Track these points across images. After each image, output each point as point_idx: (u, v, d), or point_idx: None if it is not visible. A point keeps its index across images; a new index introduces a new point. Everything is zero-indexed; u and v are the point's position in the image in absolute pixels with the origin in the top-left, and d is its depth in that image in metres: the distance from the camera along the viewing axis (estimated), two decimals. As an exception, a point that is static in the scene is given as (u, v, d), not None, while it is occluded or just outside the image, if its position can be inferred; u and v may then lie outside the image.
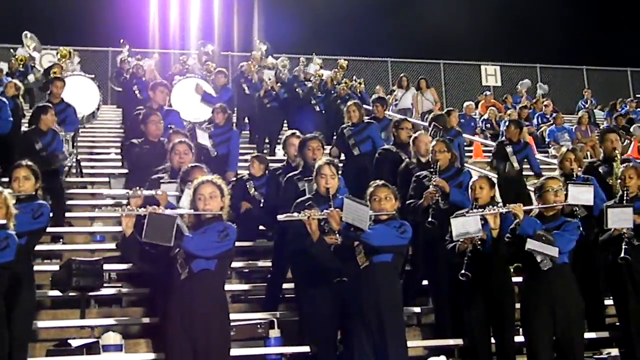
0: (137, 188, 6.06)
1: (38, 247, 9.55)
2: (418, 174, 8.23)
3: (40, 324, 7.77)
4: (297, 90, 16.14)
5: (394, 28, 26.81)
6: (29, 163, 6.76)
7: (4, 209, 5.79)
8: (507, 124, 12.57)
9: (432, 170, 8.04)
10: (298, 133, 8.74)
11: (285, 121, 15.98)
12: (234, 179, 10.41)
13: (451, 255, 6.92)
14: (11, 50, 17.42)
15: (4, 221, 5.76)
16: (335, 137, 11.42)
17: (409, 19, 26.99)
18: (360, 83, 17.86)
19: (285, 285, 8.65)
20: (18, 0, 23.85)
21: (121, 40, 18.82)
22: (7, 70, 15.80)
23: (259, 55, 17.54)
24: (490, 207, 6.69)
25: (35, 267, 8.99)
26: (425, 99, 17.65)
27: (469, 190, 7.27)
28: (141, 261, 5.62)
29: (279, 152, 14.93)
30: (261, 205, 9.74)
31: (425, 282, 8.52)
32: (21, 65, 16.09)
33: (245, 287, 8.95)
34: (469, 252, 6.71)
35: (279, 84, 16.03)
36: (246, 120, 16.09)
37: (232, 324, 5.94)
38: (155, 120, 8.87)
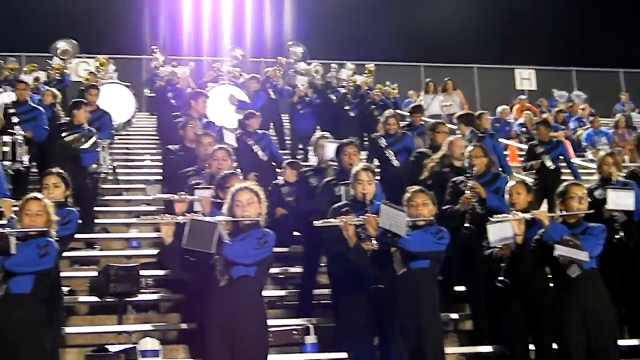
0: (183, 193, 6.14)
1: (75, 254, 9.79)
2: (454, 179, 8.20)
3: (78, 329, 7.88)
4: (330, 96, 16.17)
5: (426, 34, 26.71)
6: (59, 170, 6.89)
7: (44, 216, 5.88)
8: (536, 125, 12.50)
9: (468, 175, 8.02)
10: (327, 134, 8.82)
11: (318, 127, 16.04)
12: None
13: (488, 261, 6.88)
14: (48, 60, 17.62)
15: (44, 228, 5.85)
16: (369, 146, 11.38)
17: (441, 24, 26.89)
18: (393, 89, 17.84)
19: (320, 292, 8.70)
20: (54, 10, 24.13)
21: (155, 48, 19.00)
22: (45, 79, 15.98)
23: (284, 60, 17.58)
24: (514, 213, 6.66)
25: (73, 273, 9.26)
26: (453, 102, 17.58)
27: (506, 196, 7.23)
28: (181, 269, 5.65)
29: (313, 159, 14.98)
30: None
31: (458, 288, 8.49)
32: (58, 74, 16.27)
33: (281, 293, 8.97)
34: (507, 258, 6.67)
35: (311, 90, 16.05)
36: (271, 125, 16.06)
37: (268, 329, 5.95)
38: (194, 125, 8.96)
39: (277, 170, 11.29)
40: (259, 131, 11.51)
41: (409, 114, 12.57)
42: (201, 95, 10.55)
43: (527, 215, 6.57)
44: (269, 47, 25.38)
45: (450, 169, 8.65)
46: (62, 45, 16.96)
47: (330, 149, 8.23)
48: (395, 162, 10.40)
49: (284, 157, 13.99)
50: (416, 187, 6.60)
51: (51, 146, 10.86)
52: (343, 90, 16.14)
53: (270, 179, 10.44)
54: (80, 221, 10.04)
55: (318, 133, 9.18)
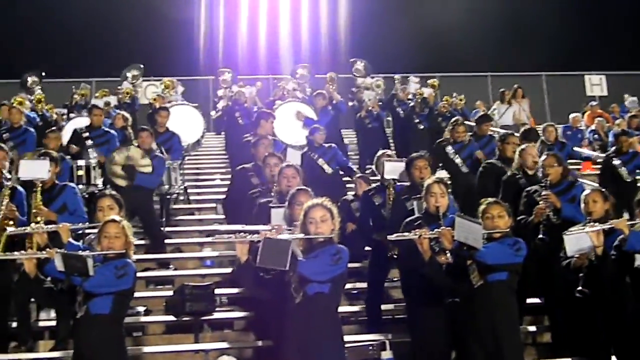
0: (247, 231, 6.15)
1: (150, 274, 9.95)
2: (528, 189, 8.07)
3: (156, 349, 7.99)
4: (397, 109, 16.13)
5: (494, 43, 26.50)
6: (113, 192, 7.08)
7: (122, 238, 5.99)
8: (615, 135, 12.25)
9: (543, 185, 7.89)
10: (390, 152, 8.84)
11: (389, 141, 16.02)
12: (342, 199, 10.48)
13: (566, 271, 6.75)
14: (118, 87, 18.04)
15: (122, 250, 5.95)
16: (434, 152, 11.30)
17: (507, 32, 26.65)
18: (461, 99, 17.71)
19: (394, 306, 8.65)
20: (123, 36, 24.72)
21: (223, 69, 19.27)
22: (116, 102, 16.34)
23: (334, 75, 17.54)
24: (592, 223, 6.51)
25: (149, 293, 9.38)
26: (522, 110, 17.32)
27: (582, 205, 7.09)
28: (256, 286, 5.67)
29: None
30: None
31: (532, 300, 8.34)
32: (128, 97, 16.62)
33: (355, 308, 8.94)
34: (585, 268, 6.53)
35: (378, 104, 16.03)
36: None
37: (344, 346, 5.92)
38: (265, 143, 9.04)
39: (348, 180, 11.42)
40: (325, 145, 11.59)
41: (475, 126, 12.41)
42: (269, 116, 10.66)
43: (605, 226, 6.42)
44: (326, 63, 25.49)
45: (522, 176, 8.54)
46: (131, 72, 17.34)
47: (388, 168, 8.20)
48: (464, 169, 10.37)
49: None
50: (491, 199, 6.51)
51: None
52: (411, 104, 16.08)
53: (338, 193, 10.44)
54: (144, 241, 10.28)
55: (380, 151, 9.14)
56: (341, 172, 11.68)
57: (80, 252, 5.91)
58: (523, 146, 8.89)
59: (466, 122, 12.30)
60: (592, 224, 6.51)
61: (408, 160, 7.88)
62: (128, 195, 10.01)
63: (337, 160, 11.47)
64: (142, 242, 10.30)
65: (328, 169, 11.29)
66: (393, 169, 8.14)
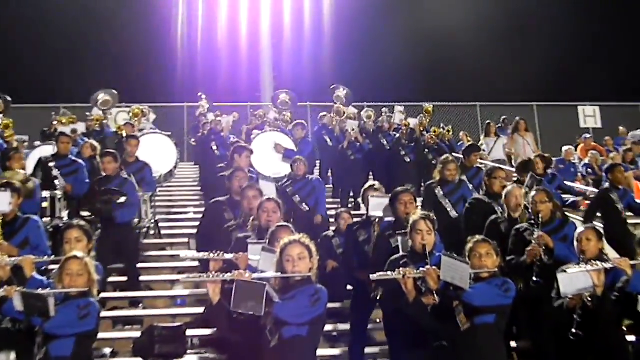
0: (218, 252, 6.11)
1: (118, 313, 9.83)
2: (518, 226, 8.08)
3: (122, 394, 7.87)
4: (382, 141, 16.16)
5: (483, 71, 26.74)
6: (81, 223, 6.93)
7: (85, 275, 5.92)
8: (610, 168, 12.26)
9: (533, 222, 7.90)
10: (377, 185, 8.77)
11: (371, 174, 16.02)
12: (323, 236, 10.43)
13: (559, 313, 6.73)
14: (87, 113, 17.96)
15: (85, 288, 5.87)
16: (423, 195, 11.26)
17: (497, 60, 26.91)
18: (448, 131, 17.75)
19: (377, 349, 8.59)
20: (92, 59, 24.73)
21: (200, 94, 19.33)
22: (84, 130, 16.26)
23: (343, 109, 17.62)
24: (593, 262, 6.51)
25: (116, 334, 9.26)
26: (527, 144, 17.35)
27: (575, 243, 7.10)
28: (230, 329, 5.61)
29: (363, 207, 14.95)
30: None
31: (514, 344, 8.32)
32: (97, 124, 16.56)
33: (336, 351, 8.87)
34: (579, 309, 6.51)
35: (363, 135, 16.05)
36: (329, 173, 16.19)
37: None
38: (240, 176, 9.00)
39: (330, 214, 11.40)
40: (310, 176, 11.60)
41: (463, 157, 12.43)
42: (245, 150, 10.68)
43: (608, 265, 6.42)
44: (310, 91, 25.64)
45: (505, 219, 8.53)
46: (102, 96, 17.26)
47: (373, 203, 8.17)
48: (453, 213, 10.30)
49: (336, 206, 14.08)
50: (479, 237, 6.51)
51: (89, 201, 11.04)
52: (397, 135, 16.10)
53: (313, 230, 10.43)
54: (125, 278, 10.21)
55: (368, 183, 9.11)
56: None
57: (41, 291, 5.82)
58: (509, 187, 8.92)
59: (454, 154, 12.33)
60: (592, 262, 6.49)
61: (393, 194, 7.87)
62: (113, 229, 10.06)
63: (317, 196, 11.43)
64: (111, 279, 10.22)
65: (304, 206, 11.29)
66: (378, 204, 8.10)
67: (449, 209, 10.31)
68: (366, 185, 8.92)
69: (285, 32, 29.43)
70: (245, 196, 7.98)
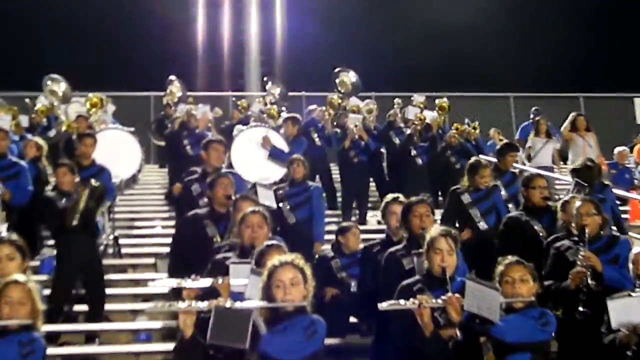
0: (193, 277, 6.12)
1: (71, 350, 9.83)
2: (557, 244, 8.09)
3: None
4: (394, 139, 16.17)
5: (517, 56, 26.86)
6: (13, 238, 6.89)
7: (28, 305, 5.87)
8: None
9: (577, 239, 7.91)
10: (402, 197, 8.66)
11: (376, 180, 16.07)
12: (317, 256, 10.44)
13: (610, 350, 6.75)
14: (26, 100, 17.92)
15: (28, 321, 5.84)
16: (447, 202, 11.24)
17: (533, 43, 27.01)
18: (474, 128, 17.69)
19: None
20: (41, 42, 24.74)
21: (170, 78, 19.30)
22: (28, 124, 16.22)
23: (336, 101, 17.61)
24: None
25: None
26: (587, 146, 16.77)
27: (631, 265, 7.13)
28: (205, 369, 5.62)
29: (372, 219, 14.94)
30: (352, 289, 9.80)
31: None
32: (44, 118, 16.55)
33: (335, 398, 8.90)
34: (635, 345, 6.53)
35: (367, 132, 16.03)
36: (317, 178, 16.05)
37: None
38: (225, 183, 9.01)
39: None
40: (311, 183, 11.67)
41: (497, 158, 12.37)
42: (213, 143, 10.72)
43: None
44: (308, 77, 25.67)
45: (566, 237, 8.47)
46: (51, 83, 17.23)
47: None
48: (482, 225, 10.31)
49: (335, 218, 14.09)
50: (512, 258, 6.52)
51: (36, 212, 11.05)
52: (408, 132, 16.08)
53: (304, 248, 10.47)
54: (86, 307, 10.22)
55: (390, 195, 9.00)
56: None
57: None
58: (566, 197, 8.89)
59: (486, 158, 12.30)
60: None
61: (405, 205, 7.88)
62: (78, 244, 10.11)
63: (311, 205, 11.43)
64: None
65: (290, 217, 11.29)
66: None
67: (477, 220, 10.33)
68: (389, 197, 8.79)
69: (277, 3, 29.37)
70: (238, 208, 7.94)
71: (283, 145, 14.09)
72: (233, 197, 8.72)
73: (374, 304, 7.02)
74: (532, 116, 19.85)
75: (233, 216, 8.00)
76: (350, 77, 18.56)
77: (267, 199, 10.36)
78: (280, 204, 11.26)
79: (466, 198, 10.53)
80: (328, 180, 16.25)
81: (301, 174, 11.60)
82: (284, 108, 18.35)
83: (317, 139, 16.09)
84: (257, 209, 7.48)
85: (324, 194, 15.23)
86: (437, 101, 18.22)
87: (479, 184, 10.55)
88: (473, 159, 11.22)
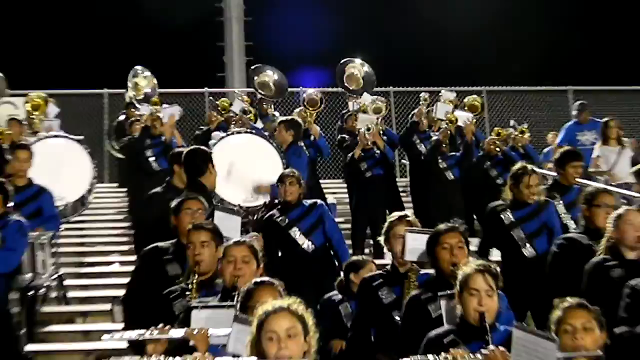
0: (161, 328, 6.13)
1: None
2: (633, 283, 8.08)
3: None
4: (418, 145, 16.16)
5: (575, 48, 27.11)
6: None
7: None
8: None
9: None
10: (410, 216, 8.65)
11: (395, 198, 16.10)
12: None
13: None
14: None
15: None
16: (484, 225, 11.22)
17: (596, 29, 27.28)
18: (522, 132, 17.62)
19: None
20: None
21: (136, 68, 19.26)
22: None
23: (317, 99, 17.44)
24: None
25: None
26: None
27: None
28: None
29: (387, 255, 14.98)
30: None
31: None
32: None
33: None
34: None
35: (384, 137, 16.03)
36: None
37: None
38: (194, 208, 8.98)
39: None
40: (308, 201, 11.69)
41: (556, 171, 12.27)
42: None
43: None
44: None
45: (617, 263, 8.50)
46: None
47: (410, 244, 8.15)
48: (528, 252, 10.30)
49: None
50: (572, 301, 6.52)
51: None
52: (434, 137, 16.06)
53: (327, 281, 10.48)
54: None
55: (396, 214, 8.99)
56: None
57: None
58: (621, 211, 8.88)
59: (538, 170, 12.21)
60: None
61: (432, 235, 7.86)
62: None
63: (327, 227, 11.48)
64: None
65: (307, 245, 11.30)
66: (416, 246, 8.10)
67: (520, 244, 10.31)
68: (393, 217, 8.79)
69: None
70: (189, 241, 7.94)
71: (275, 158, 14.06)
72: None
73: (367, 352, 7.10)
74: (575, 112, 19.61)
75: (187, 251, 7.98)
76: (360, 68, 18.55)
77: (229, 227, 10.16)
78: (290, 232, 11.33)
79: (507, 217, 10.51)
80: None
81: (295, 195, 11.58)
82: (273, 108, 18.41)
83: (304, 149, 15.88)
84: (242, 239, 7.50)
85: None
86: (467, 99, 18.14)
87: (526, 197, 10.52)
88: (518, 164, 11.14)
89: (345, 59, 18.42)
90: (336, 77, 18.55)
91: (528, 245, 10.29)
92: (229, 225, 9.44)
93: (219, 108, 19.53)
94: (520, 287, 9.62)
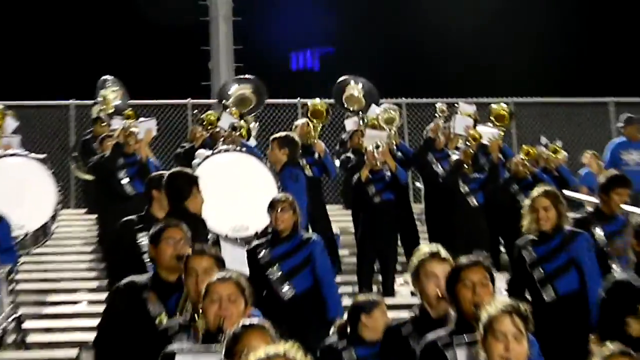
0: None
1: None
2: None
3: None
4: (434, 166, 16.18)
5: (616, 54, 27.30)
6: None
7: None
8: None
9: None
10: (443, 251, 8.58)
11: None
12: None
13: None
14: None
15: None
16: (511, 261, 11.20)
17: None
18: (555, 150, 17.60)
19: None
20: None
21: (104, 78, 19.31)
22: None
23: (324, 107, 17.34)
24: None
25: None
26: None
27: None
28: None
29: (403, 289, 14.95)
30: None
31: None
32: None
33: None
34: None
35: (399, 153, 16.04)
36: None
37: None
38: (177, 237, 8.96)
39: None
40: (305, 235, 11.62)
41: (599, 196, 12.19)
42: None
43: None
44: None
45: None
46: None
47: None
48: (548, 295, 10.25)
49: (342, 288, 14.09)
50: (614, 348, 6.50)
51: None
52: (455, 157, 16.05)
53: (310, 334, 10.45)
54: None
55: (426, 248, 8.85)
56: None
57: None
58: None
59: (572, 195, 12.16)
60: None
61: (452, 270, 7.83)
62: None
63: (316, 268, 11.40)
64: None
65: (285, 290, 11.21)
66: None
67: (540, 286, 10.27)
68: (423, 252, 8.63)
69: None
70: (191, 270, 7.95)
71: (268, 181, 14.06)
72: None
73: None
74: (621, 125, 19.55)
75: (185, 281, 7.99)
76: (358, 87, 18.62)
77: (235, 260, 10.26)
78: (268, 272, 11.28)
79: (528, 253, 10.49)
80: (325, 229, 16.12)
81: (287, 223, 11.45)
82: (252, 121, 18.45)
83: (307, 167, 15.90)
84: (228, 274, 7.47)
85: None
86: (493, 107, 17.96)
87: (542, 226, 10.47)
88: (538, 189, 11.05)
89: (342, 78, 18.44)
90: (335, 100, 18.53)
91: (549, 286, 10.26)
92: (236, 258, 9.55)
93: (204, 123, 19.52)
94: (546, 332, 9.63)
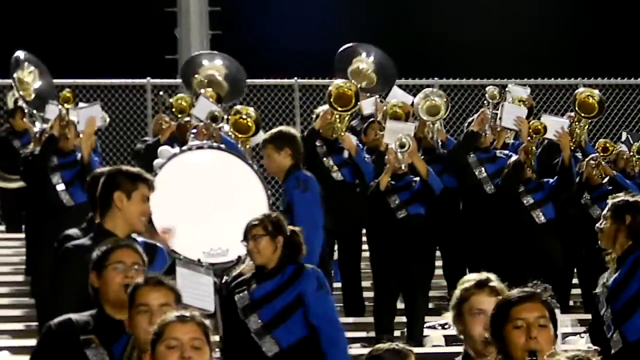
0: None
1: None
2: None
3: None
4: (475, 169, 16.28)
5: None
6: None
7: None
8: None
9: None
10: (495, 281, 8.62)
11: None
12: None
13: None
14: None
15: None
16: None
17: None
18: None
19: None
20: None
21: (17, 56, 19.36)
22: None
23: (353, 90, 17.39)
24: None
25: None
26: None
27: None
28: None
29: (435, 335, 15.03)
30: None
31: None
32: None
33: None
34: None
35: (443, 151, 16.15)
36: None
37: None
38: (125, 261, 8.99)
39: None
40: (298, 268, 11.60)
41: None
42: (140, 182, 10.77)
43: None
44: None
45: None
46: None
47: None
48: (614, 339, 10.38)
49: (358, 333, 14.18)
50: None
51: None
52: (514, 158, 16.08)
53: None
54: None
55: (473, 277, 8.88)
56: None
57: None
58: None
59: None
60: None
61: (499, 304, 7.89)
62: None
63: (312, 316, 11.35)
64: None
65: (267, 346, 11.17)
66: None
67: (608, 331, 10.40)
68: (467, 282, 8.69)
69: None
70: (138, 310, 8.02)
71: (255, 187, 14.11)
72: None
73: None
74: None
75: (133, 322, 8.03)
76: (368, 60, 18.62)
77: (197, 295, 10.14)
78: (247, 320, 11.33)
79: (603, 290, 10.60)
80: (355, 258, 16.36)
81: (266, 255, 11.41)
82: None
83: (334, 169, 16.16)
84: (189, 313, 7.51)
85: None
86: (578, 93, 17.96)
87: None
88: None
89: (346, 46, 18.45)
90: (337, 73, 18.53)
91: (612, 326, 10.37)
92: (198, 289, 9.50)
93: (173, 110, 19.44)
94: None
